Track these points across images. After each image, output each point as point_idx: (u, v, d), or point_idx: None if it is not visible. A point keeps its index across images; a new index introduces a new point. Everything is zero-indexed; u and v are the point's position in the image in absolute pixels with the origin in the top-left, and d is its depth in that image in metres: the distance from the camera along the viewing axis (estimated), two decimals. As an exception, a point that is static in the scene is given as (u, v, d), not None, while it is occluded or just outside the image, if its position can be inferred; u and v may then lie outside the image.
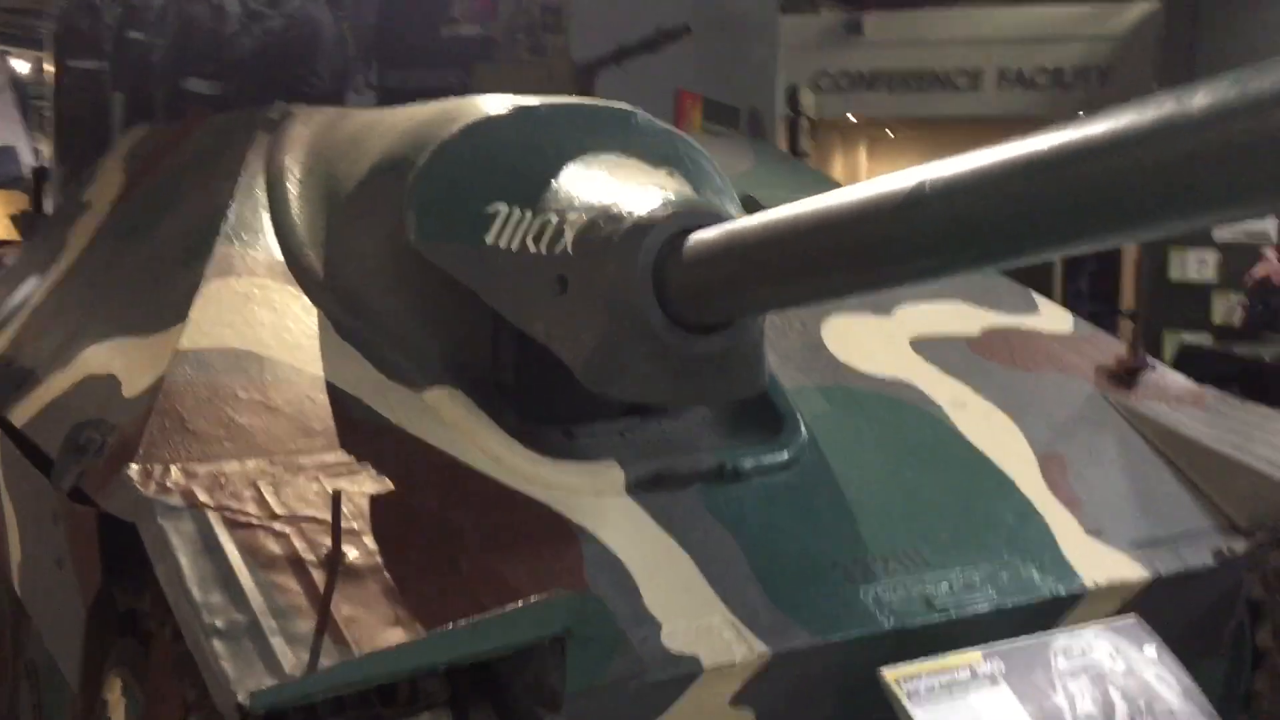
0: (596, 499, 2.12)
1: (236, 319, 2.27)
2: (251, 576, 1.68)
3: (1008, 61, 14.99)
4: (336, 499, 1.72)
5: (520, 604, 1.63)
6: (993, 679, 2.05)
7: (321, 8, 7.54)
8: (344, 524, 1.81)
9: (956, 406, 2.76)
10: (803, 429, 2.43)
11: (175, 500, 1.79)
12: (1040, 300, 3.40)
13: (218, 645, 1.56)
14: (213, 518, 1.77)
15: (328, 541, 1.77)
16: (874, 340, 2.90)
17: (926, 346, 2.95)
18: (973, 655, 2.08)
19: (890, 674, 1.98)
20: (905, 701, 1.95)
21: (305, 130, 2.85)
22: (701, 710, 2.00)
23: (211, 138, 3.16)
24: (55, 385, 2.58)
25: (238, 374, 2.14)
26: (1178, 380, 3.26)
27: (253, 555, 1.72)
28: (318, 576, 1.72)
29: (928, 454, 2.57)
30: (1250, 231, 10.17)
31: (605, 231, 1.97)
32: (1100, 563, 2.43)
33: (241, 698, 1.47)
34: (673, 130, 2.49)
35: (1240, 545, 2.58)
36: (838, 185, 3.79)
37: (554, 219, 2.09)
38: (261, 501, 1.83)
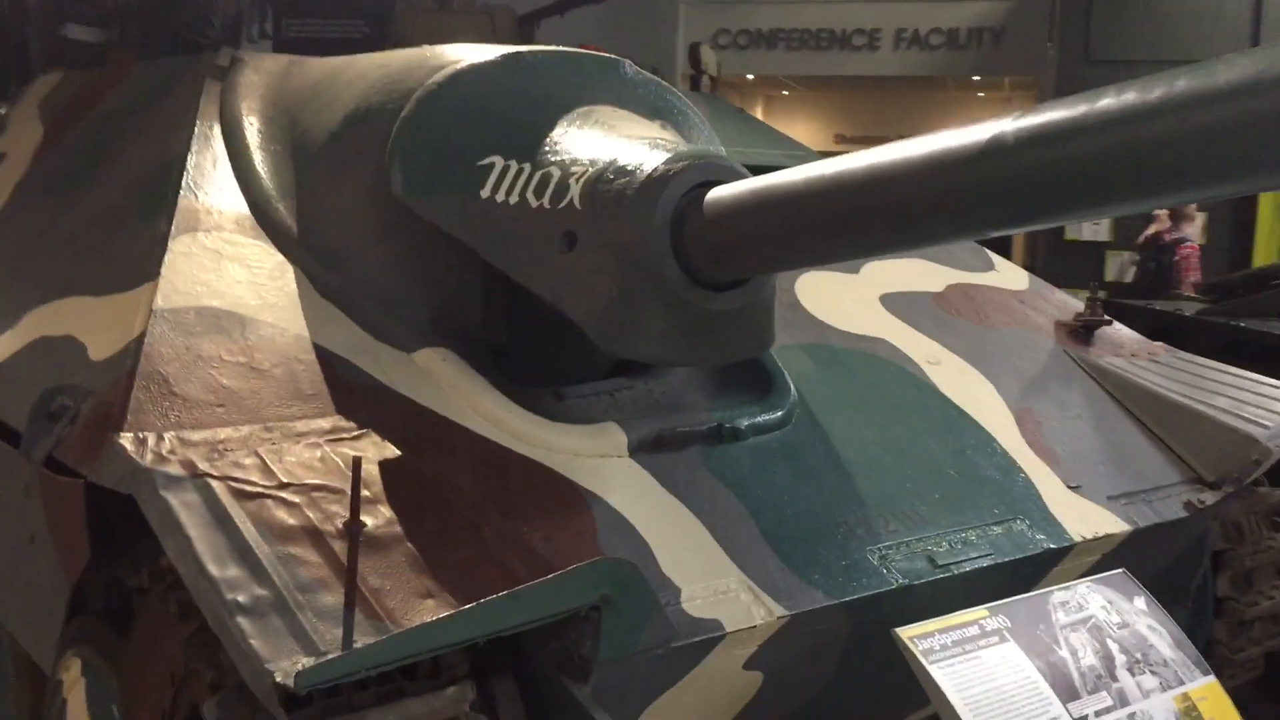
0: (600, 461, 2.06)
1: (210, 276, 2.14)
2: (269, 549, 1.58)
3: (904, 22, 15.14)
4: (357, 466, 1.63)
5: (562, 573, 1.57)
6: (1000, 635, 2.05)
7: (211, -50, 7.21)
8: (363, 493, 1.72)
9: (931, 363, 2.76)
10: (792, 388, 2.40)
11: (176, 470, 1.67)
12: (996, 258, 3.43)
13: (244, 623, 1.47)
14: (218, 487, 1.66)
15: (342, 510, 1.68)
16: (847, 298, 2.88)
17: (896, 303, 2.94)
18: (980, 612, 2.08)
19: (905, 633, 1.97)
20: (923, 660, 1.94)
21: (257, 78, 2.70)
22: (715, 675, 1.96)
23: (147, 85, 2.98)
24: (2, 349, 2.41)
25: (219, 335, 2.02)
26: (1131, 335, 3.32)
27: (267, 526, 1.62)
28: (338, 547, 1.62)
29: (911, 411, 2.57)
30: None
31: (617, 185, 1.89)
32: (1083, 517, 2.46)
33: (281, 678, 1.39)
34: (661, 82, 2.42)
35: (1210, 497, 2.64)
36: (791, 140, 3.78)
37: (556, 172, 2.01)
38: (266, 470, 1.73)
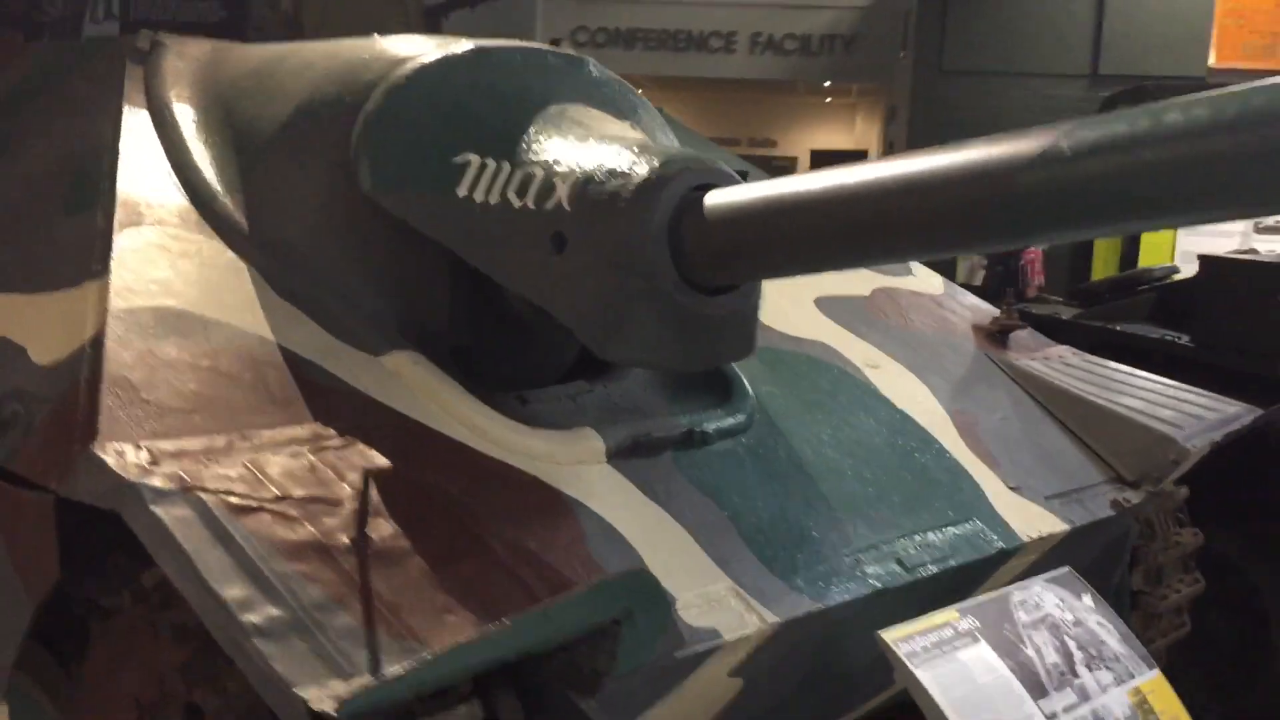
0: (580, 468, 2.02)
1: (162, 274, 2.01)
2: (276, 566, 1.49)
3: (760, 26, 15.43)
4: (368, 479, 1.56)
5: (592, 586, 1.53)
6: (973, 636, 2.09)
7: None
8: (356, 505, 1.64)
9: (870, 367, 2.80)
10: (750, 391, 2.40)
11: (163, 483, 1.56)
12: (912, 263, 3.50)
13: (263, 646, 1.38)
14: (210, 501, 1.56)
15: (341, 524, 1.60)
16: (783, 299, 2.89)
17: (830, 307, 2.97)
18: (950, 614, 2.11)
19: (888, 636, 1.98)
20: (907, 663, 1.96)
21: (182, 63, 2.56)
22: (701, 683, 1.94)
23: (45, 67, 2.79)
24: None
25: (179, 337, 1.90)
26: (1041, 339, 3.43)
27: (269, 543, 1.53)
28: (346, 563, 1.54)
29: (859, 414, 2.59)
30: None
31: (610, 187, 1.86)
32: (1026, 517, 2.53)
33: (317, 704, 1.31)
34: (623, 81, 2.39)
35: (1135, 496, 2.74)
36: (711, 143, 3.78)
37: (539, 172, 1.95)
38: (256, 482, 1.63)
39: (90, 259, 2.01)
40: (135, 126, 2.34)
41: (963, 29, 10.92)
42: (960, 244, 1.64)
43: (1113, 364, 3.36)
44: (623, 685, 1.73)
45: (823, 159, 16.73)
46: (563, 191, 1.90)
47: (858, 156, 17.87)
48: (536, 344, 2.36)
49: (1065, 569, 2.40)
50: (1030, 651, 2.14)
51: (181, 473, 1.60)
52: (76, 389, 1.77)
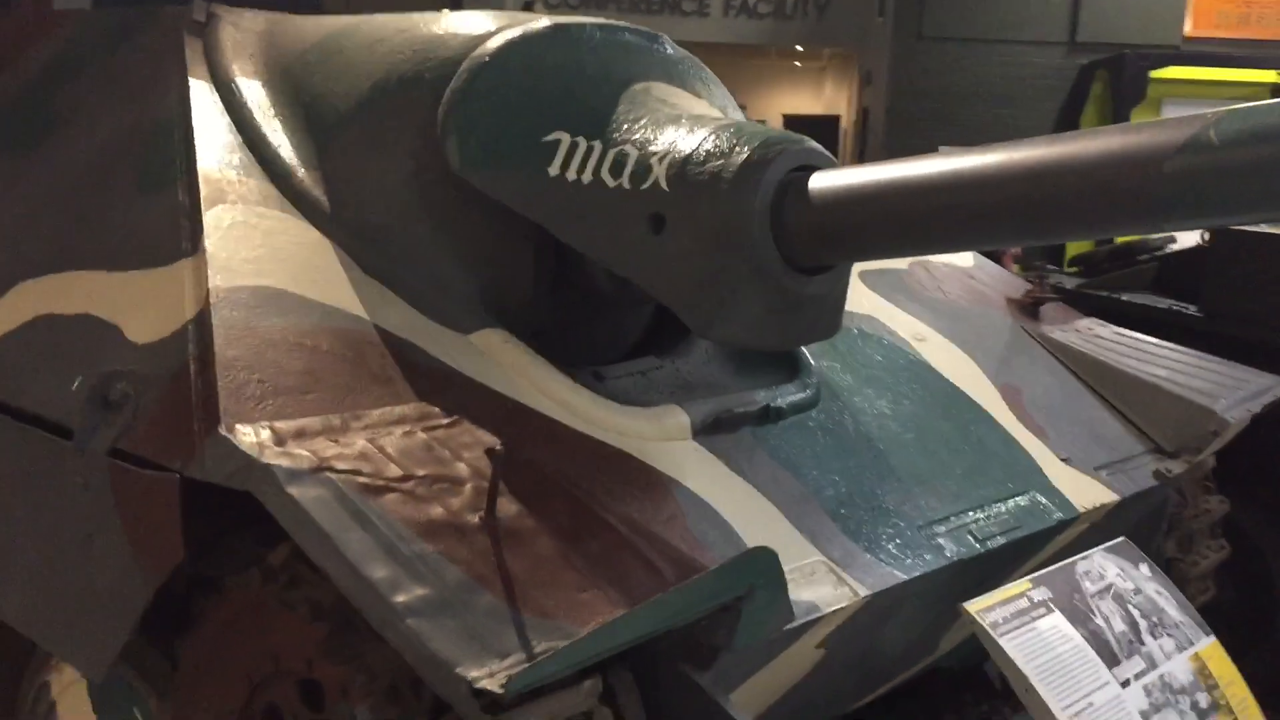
0: (668, 445, 2.04)
1: (255, 252, 2.00)
2: (414, 547, 1.51)
3: (733, -11, 15.35)
4: (496, 458, 1.57)
5: (725, 563, 1.56)
6: (1046, 606, 2.14)
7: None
8: (476, 483, 1.66)
9: (917, 340, 2.84)
10: (814, 366, 2.44)
11: (295, 463, 1.57)
12: (942, 235, 3.53)
13: (416, 625, 1.40)
14: (342, 481, 1.57)
15: (466, 503, 1.62)
16: (830, 274, 2.92)
17: (873, 280, 3.00)
18: (1024, 585, 2.16)
19: (972, 608, 2.03)
20: (992, 633, 2.01)
21: (241, 35, 2.53)
22: (794, 655, 1.98)
23: (96, 37, 2.74)
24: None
25: (279, 316, 1.90)
26: (1069, 311, 3.49)
27: (404, 523, 1.54)
28: (478, 542, 1.56)
29: (914, 387, 2.63)
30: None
31: (710, 168, 1.87)
32: (1079, 488, 2.58)
33: (481, 682, 1.33)
34: (693, 57, 2.40)
35: (1176, 466, 2.80)
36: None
37: (632, 152, 1.97)
38: (381, 461, 1.64)
39: (179, 237, 2.00)
40: (201, 101, 2.31)
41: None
42: (1088, 229, 1.67)
43: (1140, 335, 3.42)
44: (731, 658, 1.76)
45: (795, 124, 16.71)
46: (659, 172, 1.92)
47: (829, 121, 17.90)
48: (608, 320, 2.38)
49: (1122, 539, 2.46)
50: (1100, 620, 2.20)
51: (309, 452, 1.61)
52: (185, 368, 1.76)
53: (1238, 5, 10.70)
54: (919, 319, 2.94)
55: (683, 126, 1.98)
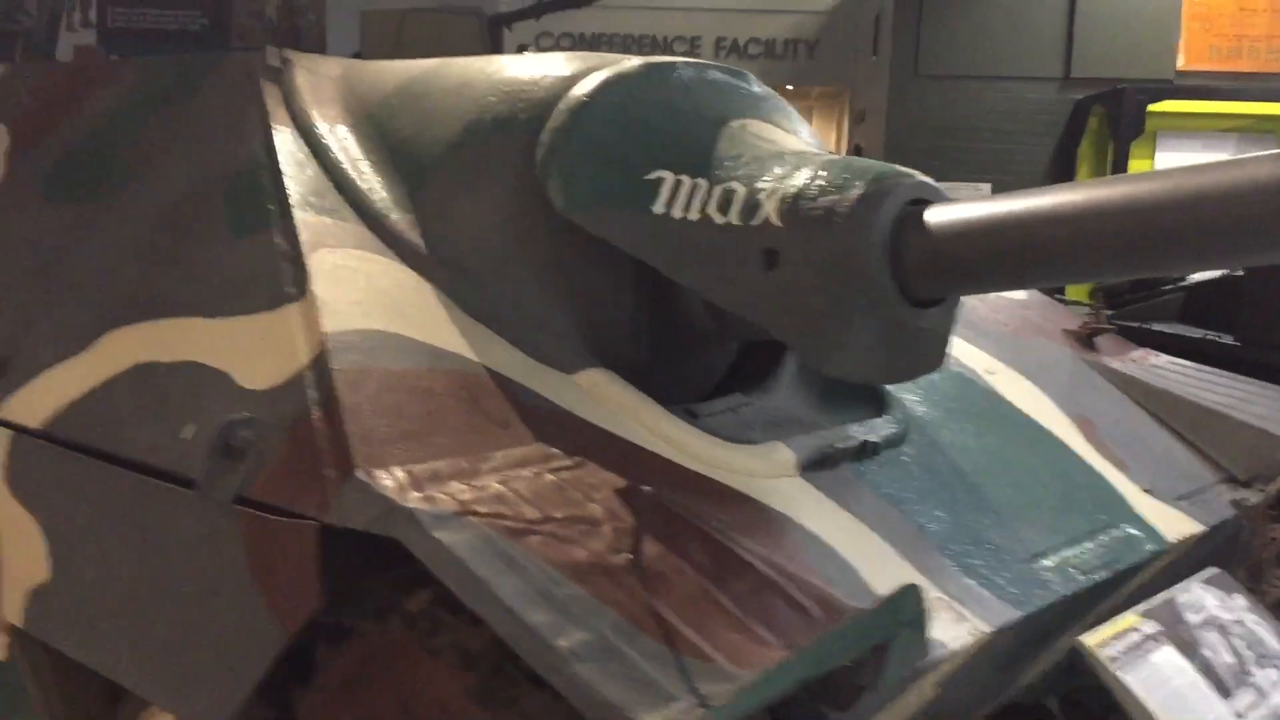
0: (776, 482, 2.02)
1: (357, 296, 1.98)
2: (565, 590, 1.48)
3: (725, 31, 15.51)
4: (644, 498, 1.55)
5: (882, 601, 1.54)
6: (1157, 640, 2.13)
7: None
8: (614, 524, 1.64)
9: (989, 373, 2.83)
10: (901, 399, 2.42)
11: (438, 507, 1.54)
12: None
13: (584, 671, 1.37)
14: (485, 525, 1.54)
15: (608, 544, 1.59)
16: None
17: (936, 312, 3.00)
18: (1132, 618, 2.15)
19: (1089, 642, 2.01)
20: (1111, 668, 1.99)
21: (316, 80, 2.52)
22: (912, 696, 1.96)
23: (163, 84, 2.73)
24: (71, 377, 2.17)
25: (392, 360, 1.87)
26: (1123, 341, 3.49)
27: (554, 565, 1.51)
28: (627, 583, 1.53)
29: (993, 420, 2.62)
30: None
31: (823, 203, 1.87)
32: (1166, 519, 2.56)
33: None
34: (777, 94, 2.41)
35: (1252, 496, 2.80)
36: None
37: (739, 188, 1.96)
38: (518, 503, 1.62)
39: (281, 282, 1.98)
40: (286, 146, 2.30)
41: (938, 33, 11.07)
42: (1227, 258, 1.67)
43: (1196, 365, 3.43)
44: (865, 698, 1.74)
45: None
46: (770, 208, 1.91)
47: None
48: (698, 358, 2.37)
49: (1217, 570, 2.45)
50: (1208, 652, 2.18)
51: (448, 495, 1.58)
52: (307, 414, 1.73)
53: (1229, 39, 10.85)
54: (986, 351, 2.94)
55: (787, 162, 1.97)
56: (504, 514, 1.58)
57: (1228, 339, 4.48)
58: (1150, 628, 2.14)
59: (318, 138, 2.33)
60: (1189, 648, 2.15)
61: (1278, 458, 2.85)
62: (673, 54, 15.88)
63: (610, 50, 15.80)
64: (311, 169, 2.26)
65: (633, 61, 2.19)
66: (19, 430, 2.16)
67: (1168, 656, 2.10)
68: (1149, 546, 2.44)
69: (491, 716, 1.55)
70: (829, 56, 15.26)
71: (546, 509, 1.64)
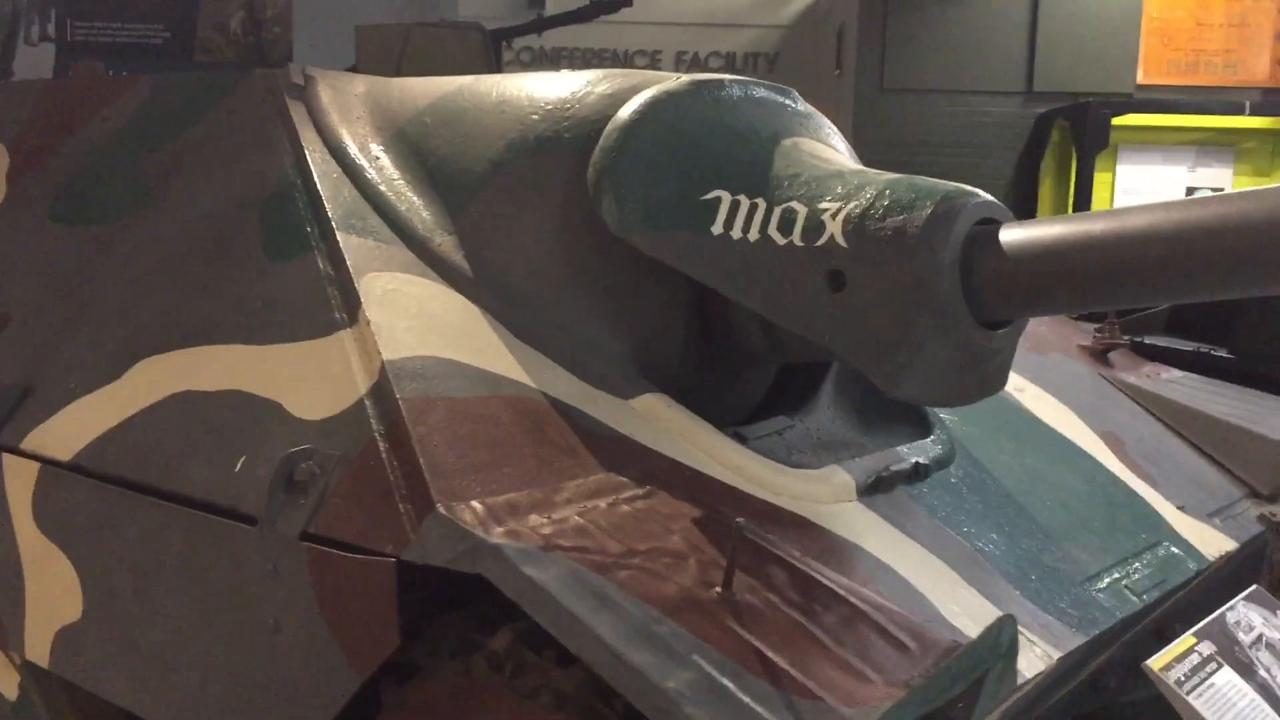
0: (836, 507, 1.98)
1: (412, 321, 1.92)
2: (663, 626, 1.43)
3: (685, 45, 15.49)
4: (738, 532, 1.51)
5: (985, 633, 1.50)
6: (1214, 660, 2.11)
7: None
8: (697, 556, 1.59)
9: (1017, 390, 2.82)
10: (944, 420, 2.40)
11: (523, 542, 1.48)
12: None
13: (695, 712, 1.32)
14: (573, 560, 1.49)
15: (696, 578, 1.55)
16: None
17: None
18: (1190, 640, 2.12)
19: (1155, 665, 1.99)
20: (1179, 691, 1.96)
21: (342, 97, 2.45)
22: (980, 721, 1.92)
23: (175, 102, 2.64)
24: (103, 407, 2.08)
25: (457, 385, 1.81)
26: (1135, 356, 3.50)
27: (646, 601, 1.46)
28: (722, 618, 1.49)
29: (1028, 439, 2.60)
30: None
31: (891, 224, 1.83)
32: (1203, 536, 2.56)
33: None
34: (819, 113, 2.37)
35: (1279, 511, 2.80)
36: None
37: (800, 209, 1.92)
38: (601, 536, 1.57)
39: (330, 307, 1.91)
40: (318, 165, 2.23)
41: (902, 48, 11.13)
42: None
43: (1203, 379, 3.43)
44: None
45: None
46: (834, 229, 1.87)
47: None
48: (744, 380, 2.33)
49: (1255, 586, 2.43)
50: (1263, 672, 2.16)
51: (531, 530, 1.52)
52: (373, 444, 1.67)
53: (1186, 54, 11.00)
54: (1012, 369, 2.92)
55: (848, 181, 1.94)
56: (588, 548, 1.53)
57: (1222, 352, 4.50)
58: (1207, 649, 2.11)
59: (350, 157, 2.26)
60: (1245, 668, 2.13)
61: (1301, 472, 2.86)
62: (633, 68, 15.90)
63: (570, 65, 15.78)
64: (347, 189, 2.19)
65: (678, 79, 2.15)
66: (47, 463, 2.08)
67: (1228, 678, 2.07)
68: (1191, 564, 2.43)
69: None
70: (791, 71, 15.28)
71: (628, 542, 1.58)
